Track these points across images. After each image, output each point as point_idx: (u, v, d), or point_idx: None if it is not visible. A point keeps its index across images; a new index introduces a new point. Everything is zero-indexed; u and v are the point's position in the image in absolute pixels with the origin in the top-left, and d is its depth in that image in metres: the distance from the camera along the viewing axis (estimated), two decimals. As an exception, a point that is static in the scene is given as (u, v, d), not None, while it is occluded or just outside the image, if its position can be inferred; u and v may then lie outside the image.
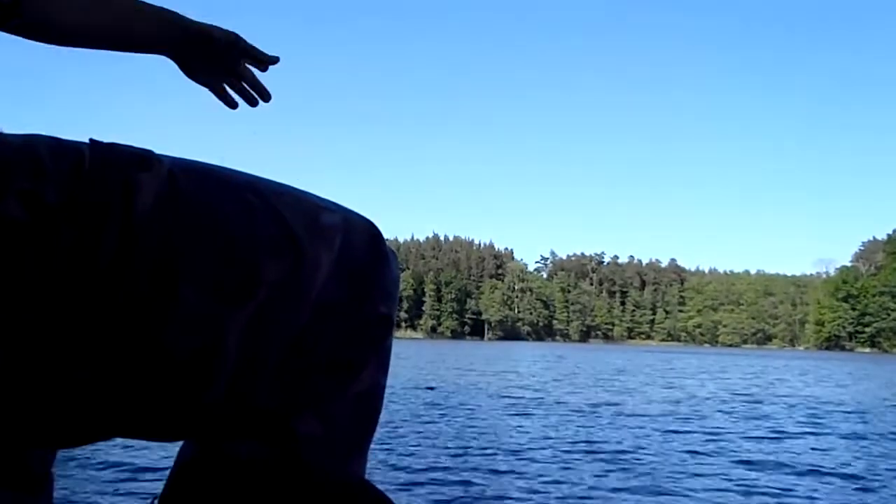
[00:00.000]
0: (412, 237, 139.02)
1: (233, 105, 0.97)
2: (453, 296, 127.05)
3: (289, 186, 0.76)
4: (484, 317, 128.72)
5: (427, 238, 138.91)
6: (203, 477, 0.72)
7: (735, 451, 6.68)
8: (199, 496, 0.71)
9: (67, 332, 0.61)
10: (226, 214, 0.68)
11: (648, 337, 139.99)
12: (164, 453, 5.04)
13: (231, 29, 0.90)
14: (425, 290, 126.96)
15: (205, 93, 0.93)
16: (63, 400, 0.63)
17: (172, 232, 0.65)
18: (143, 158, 0.66)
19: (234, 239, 0.68)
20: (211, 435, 0.71)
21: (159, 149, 0.70)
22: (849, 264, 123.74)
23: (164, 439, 0.72)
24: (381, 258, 0.77)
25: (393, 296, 0.78)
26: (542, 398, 11.84)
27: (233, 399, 0.68)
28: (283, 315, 0.69)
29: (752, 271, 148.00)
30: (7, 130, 0.64)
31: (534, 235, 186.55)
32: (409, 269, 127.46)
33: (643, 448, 6.70)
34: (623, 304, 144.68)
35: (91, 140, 0.66)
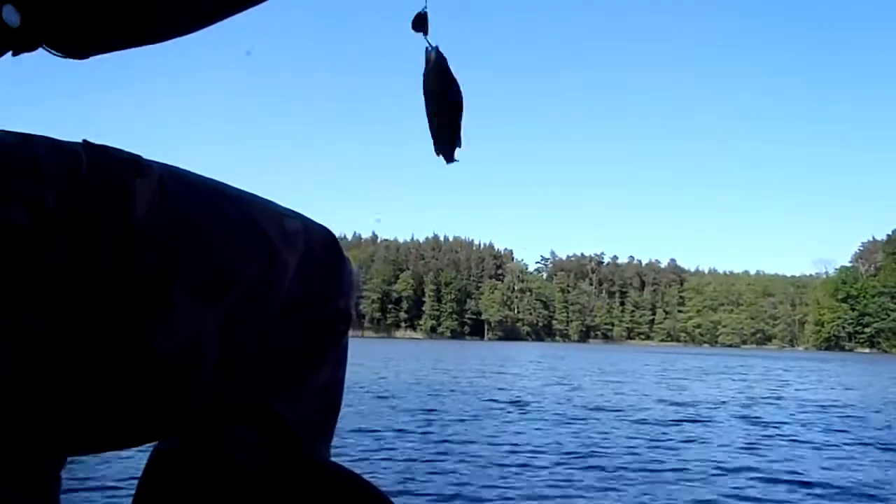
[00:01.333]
0: (412, 237, 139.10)
1: None
2: (453, 296, 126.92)
3: (249, 192, 0.78)
4: (484, 317, 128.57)
5: (427, 238, 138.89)
6: (195, 469, 0.72)
7: (740, 458, 6.66)
8: (193, 489, 0.72)
9: (71, 336, 0.61)
10: (207, 219, 0.71)
11: (648, 337, 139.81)
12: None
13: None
14: (425, 290, 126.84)
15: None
16: (66, 404, 0.63)
17: (166, 237, 0.66)
18: (136, 163, 0.67)
19: (216, 242, 0.70)
20: (196, 429, 0.73)
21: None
22: (848, 265, 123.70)
23: (155, 440, 0.73)
24: (338, 260, 0.82)
25: (350, 294, 0.83)
26: (541, 399, 11.83)
27: (215, 394, 0.71)
28: (257, 313, 0.73)
29: (752, 272, 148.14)
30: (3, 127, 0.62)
31: (534, 235, 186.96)
32: (408, 269, 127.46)
33: (644, 450, 6.70)
34: (623, 304, 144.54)
35: (85, 141, 0.66)
